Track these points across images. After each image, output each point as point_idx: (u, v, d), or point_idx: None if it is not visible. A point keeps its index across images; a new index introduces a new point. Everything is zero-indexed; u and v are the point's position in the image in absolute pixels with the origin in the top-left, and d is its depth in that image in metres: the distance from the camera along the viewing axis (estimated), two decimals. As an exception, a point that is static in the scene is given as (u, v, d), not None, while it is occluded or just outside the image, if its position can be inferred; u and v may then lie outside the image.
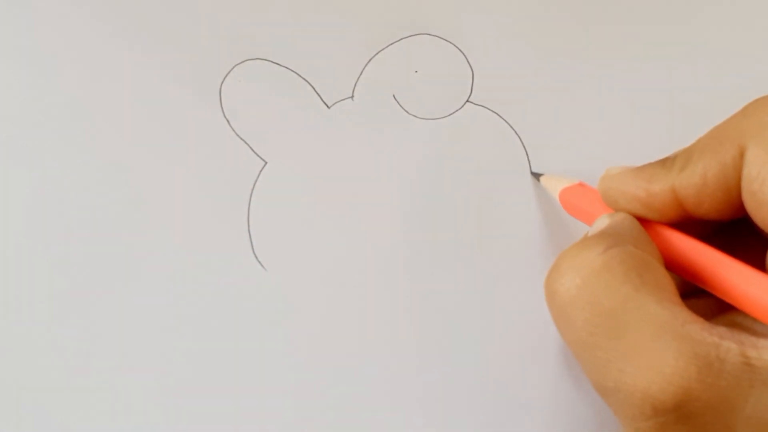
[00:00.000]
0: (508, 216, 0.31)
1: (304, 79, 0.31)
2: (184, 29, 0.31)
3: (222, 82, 0.30)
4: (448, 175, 0.31)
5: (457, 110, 0.31)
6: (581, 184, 0.27)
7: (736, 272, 0.19)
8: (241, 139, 0.30)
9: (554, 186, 0.28)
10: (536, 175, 0.30)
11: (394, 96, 0.31)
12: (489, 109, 0.31)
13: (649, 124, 0.32)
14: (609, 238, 0.20)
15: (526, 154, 0.31)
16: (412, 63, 0.31)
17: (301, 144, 0.31)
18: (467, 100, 0.31)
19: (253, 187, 0.30)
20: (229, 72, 0.31)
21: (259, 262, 0.29)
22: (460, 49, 0.31)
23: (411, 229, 0.30)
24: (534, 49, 0.32)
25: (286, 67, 0.31)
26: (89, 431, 0.28)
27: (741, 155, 0.19)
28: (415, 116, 0.31)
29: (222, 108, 0.30)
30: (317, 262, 0.30)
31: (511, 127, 0.31)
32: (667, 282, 0.19)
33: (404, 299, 0.30)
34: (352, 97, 0.31)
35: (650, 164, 0.22)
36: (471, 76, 0.31)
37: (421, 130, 0.31)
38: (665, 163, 0.22)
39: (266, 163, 0.30)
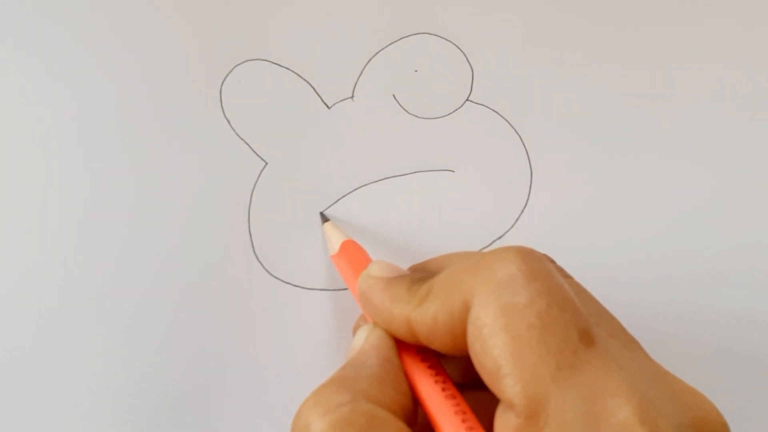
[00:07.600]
0: (508, 214, 0.31)
1: (304, 79, 0.31)
2: (185, 30, 0.31)
3: (222, 83, 0.31)
4: (448, 173, 0.31)
5: (457, 109, 0.31)
6: (356, 246, 0.26)
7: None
8: (242, 139, 0.30)
9: (336, 237, 0.28)
10: (323, 217, 0.30)
11: (394, 95, 0.31)
12: (489, 108, 0.31)
13: (649, 123, 0.31)
14: (351, 383, 0.20)
15: (526, 152, 0.31)
16: (412, 62, 0.31)
17: (302, 144, 0.31)
18: (467, 99, 0.31)
19: (254, 188, 0.30)
20: (229, 72, 0.31)
21: (259, 262, 0.29)
22: (459, 48, 0.31)
23: (411, 226, 0.30)
24: (534, 47, 0.32)
25: (287, 68, 0.31)
26: (87, 427, 0.28)
27: (467, 310, 0.18)
28: (415, 116, 0.31)
29: (222, 108, 0.30)
30: (317, 262, 0.30)
31: (512, 126, 0.31)
32: None
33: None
34: (353, 97, 0.31)
35: (403, 280, 0.21)
36: (471, 74, 0.31)
37: (421, 130, 0.31)
38: (411, 287, 0.21)
39: (267, 163, 0.30)
